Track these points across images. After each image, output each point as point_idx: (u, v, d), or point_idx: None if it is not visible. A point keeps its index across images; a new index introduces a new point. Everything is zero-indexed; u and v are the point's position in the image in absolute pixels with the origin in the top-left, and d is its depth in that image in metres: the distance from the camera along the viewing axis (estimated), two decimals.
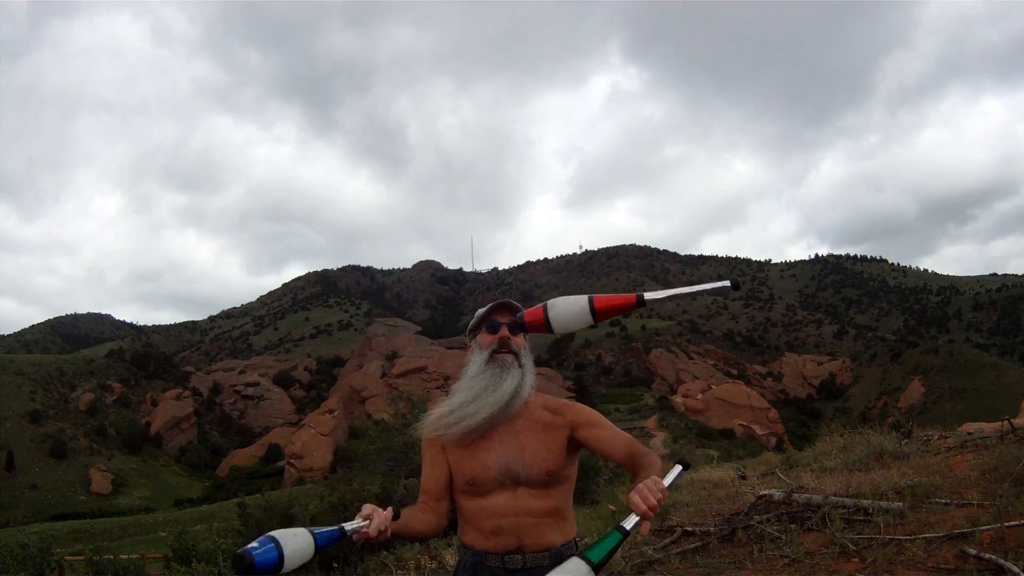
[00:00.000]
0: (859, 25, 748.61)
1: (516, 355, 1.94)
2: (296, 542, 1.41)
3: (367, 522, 1.58)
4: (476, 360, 1.96)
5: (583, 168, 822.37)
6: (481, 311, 2.01)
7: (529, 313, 1.83)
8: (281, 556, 1.38)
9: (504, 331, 1.95)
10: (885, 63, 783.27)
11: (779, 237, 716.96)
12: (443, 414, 1.89)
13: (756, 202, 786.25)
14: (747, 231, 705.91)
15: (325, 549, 1.49)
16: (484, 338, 1.98)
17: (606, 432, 1.88)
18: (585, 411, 1.93)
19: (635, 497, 1.48)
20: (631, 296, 1.75)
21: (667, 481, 1.55)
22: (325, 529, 1.50)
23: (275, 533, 1.42)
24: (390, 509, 1.66)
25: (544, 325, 1.80)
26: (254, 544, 1.38)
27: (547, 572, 1.75)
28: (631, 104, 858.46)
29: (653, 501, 1.47)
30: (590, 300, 1.79)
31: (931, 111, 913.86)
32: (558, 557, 1.81)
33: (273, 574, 1.37)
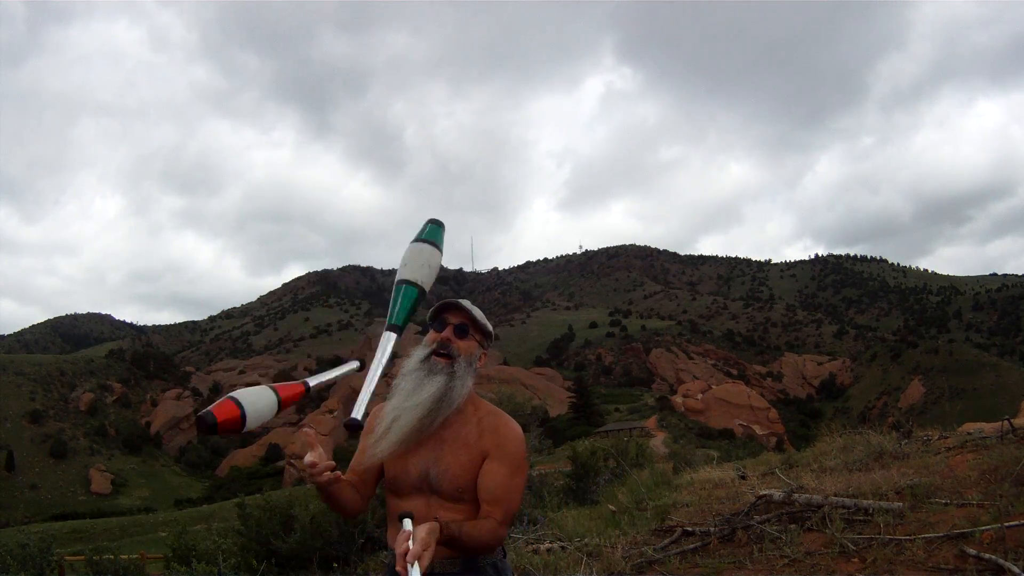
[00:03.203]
0: (852, 27, 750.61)
1: (453, 359, 1.88)
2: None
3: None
4: (415, 355, 1.93)
5: (578, 170, 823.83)
6: (436, 305, 1.98)
7: (220, 411, 1.56)
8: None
9: (448, 332, 1.91)
10: (879, 65, 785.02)
11: (776, 238, 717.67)
12: (381, 433, 1.86)
13: (752, 203, 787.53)
14: (744, 232, 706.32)
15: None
16: (431, 335, 1.94)
17: (497, 472, 1.82)
18: (505, 445, 1.85)
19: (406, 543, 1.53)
20: (299, 385, 1.76)
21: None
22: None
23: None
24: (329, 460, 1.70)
25: (239, 422, 1.61)
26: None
27: None
28: (625, 105, 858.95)
29: (400, 550, 1.51)
30: (275, 391, 1.71)
31: (926, 113, 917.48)
32: (471, 564, 1.80)
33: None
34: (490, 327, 1.98)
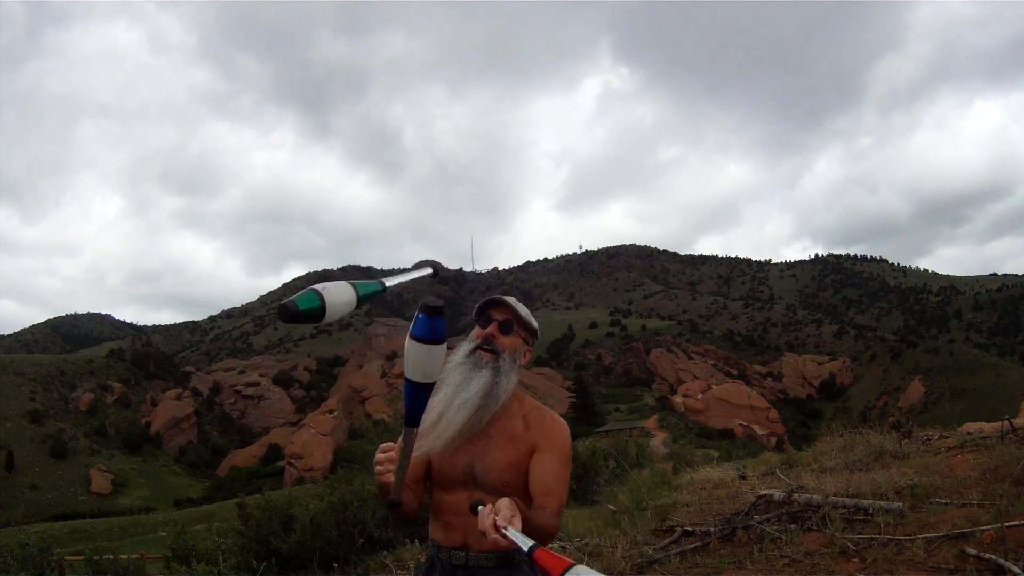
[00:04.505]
0: (849, 28, 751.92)
1: (497, 355, 1.91)
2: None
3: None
4: (461, 349, 1.96)
5: (577, 170, 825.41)
6: (481, 301, 2.02)
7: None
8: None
9: (492, 328, 1.94)
10: (876, 66, 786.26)
11: (774, 238, 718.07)
12: (428, 426, 1.88)
13: (750, 204, 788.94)
14: (742, 233, 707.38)
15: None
16: (476, 331, 1.98)
17: (548, 464, 1.84)
18: (554, 437, 1.88)
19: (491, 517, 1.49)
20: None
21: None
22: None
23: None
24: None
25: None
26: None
27: (491, 573, 1.81)
28: (623, 105, 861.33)
29: (488, 522, 1.47)
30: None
31: (923, 114, 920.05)
32: (506, 560, 1.82)
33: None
34: (535, 323, 2.01)
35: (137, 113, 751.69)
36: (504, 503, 1.53)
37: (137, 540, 33.47)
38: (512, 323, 1.95)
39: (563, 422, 1.94)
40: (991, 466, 5.67)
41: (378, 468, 1.73)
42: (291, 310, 1.35)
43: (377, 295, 1.55)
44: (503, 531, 1.46)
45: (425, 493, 1.98)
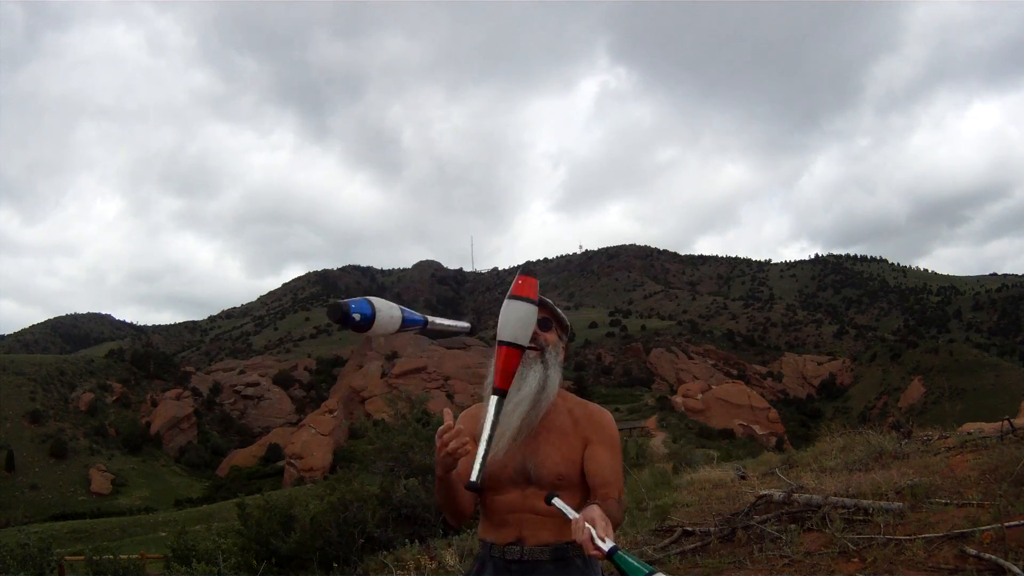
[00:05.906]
0: (846, 29, 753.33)
1: (542, 351, 1.95)
2: (386, 306, 1.49)
3: (448, 322, 1.62)
4: None
5: (575, 171, 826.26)
6: None
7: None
8: (374, 312, 1.44)
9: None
10: (874, 67, 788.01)
11: (773, 239, 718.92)
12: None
13: (749, 204, 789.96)
14: (741, 233, 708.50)
15: (407, 328, 1.56)
16: None
17: (603, 455, 1.88)
18: (604, 429, 1.94)
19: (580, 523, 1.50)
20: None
21: (600, 542, 1.45)
22: (413, 313, 1.58)
23: (371, 297, 1.49)
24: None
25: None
26: (350, 300, 1.44)
27: (546, 566, 1.81)
28: (620, 105, 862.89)
29: (585, 537, 1.46)
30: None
31: (921, 114, 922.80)
32: (560, 553, 1.84)
33: (361, 328, 1.43)
34: (567, 321, 2.06)
35: (137, 115, 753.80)
36: (597, 514, 1.52)
37: (137, 540, 33.47)
38: (551, 320, 2.00)
39: (609, 413, 1.99)
40: (991, 466, 5.67)
41: (452, 446, 1.67)
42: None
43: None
44: (598, 542, 1.45)
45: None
